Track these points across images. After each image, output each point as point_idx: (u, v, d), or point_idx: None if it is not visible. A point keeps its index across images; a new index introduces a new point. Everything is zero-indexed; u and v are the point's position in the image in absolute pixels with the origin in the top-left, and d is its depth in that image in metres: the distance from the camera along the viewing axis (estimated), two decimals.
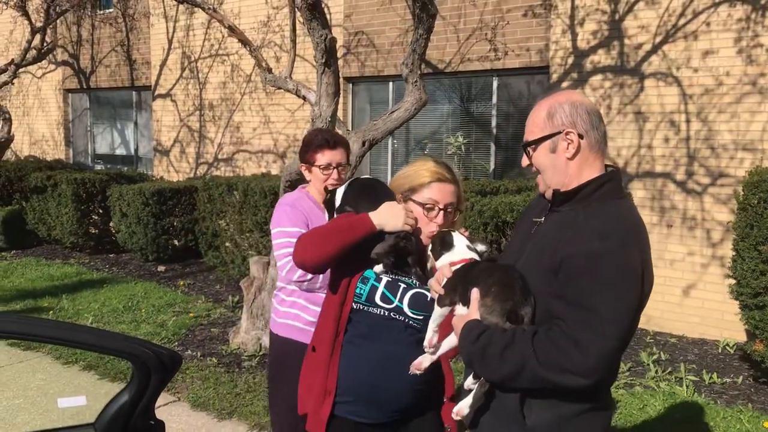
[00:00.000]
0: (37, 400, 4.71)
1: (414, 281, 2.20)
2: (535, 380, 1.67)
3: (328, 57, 4.73)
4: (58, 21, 11.62)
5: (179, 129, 10.89)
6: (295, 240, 2.22)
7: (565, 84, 7.03)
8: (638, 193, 6.55)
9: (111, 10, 11.80)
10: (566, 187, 1.83)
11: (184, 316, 6.62)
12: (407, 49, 5.07)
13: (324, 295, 2.36)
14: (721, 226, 6.13)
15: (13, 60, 10.96)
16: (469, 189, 6.39)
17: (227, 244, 7.86)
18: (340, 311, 2.18)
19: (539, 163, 1.87)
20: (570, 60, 7.00)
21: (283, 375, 2.81)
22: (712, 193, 6.20)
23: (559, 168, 1.83)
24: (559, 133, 1.81)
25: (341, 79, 5.90)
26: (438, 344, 1.95)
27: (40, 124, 13.34)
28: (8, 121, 9.82)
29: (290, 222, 2.79)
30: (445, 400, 2.29)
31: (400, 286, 2.19)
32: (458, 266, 1.89)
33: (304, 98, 5.79)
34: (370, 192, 2.29)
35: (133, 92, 11.89)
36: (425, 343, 1.95)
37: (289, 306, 2.90)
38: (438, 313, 1.89)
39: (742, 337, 5.87)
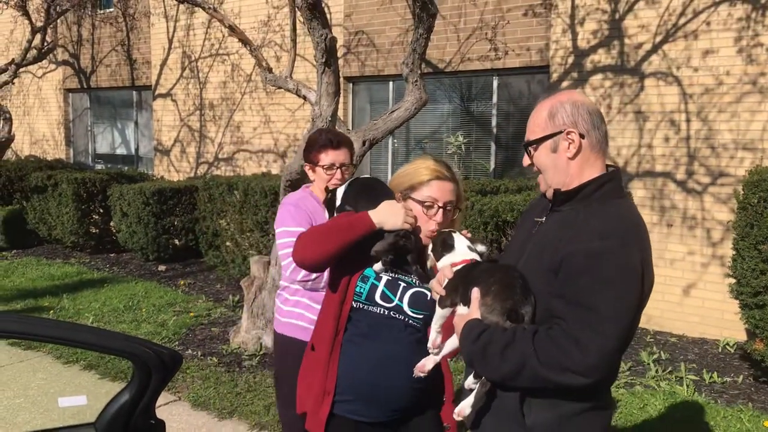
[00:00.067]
0: (38, 400, 4.71)
1: (414, 280, 2.20)
2: (535, 379, 1.67)
3: (329, 56, 4.73)
4: (58, 20, 11.63)
5: (180, 128, 10.89)
6: None
7: (565, 83, 7.03)
8: (638, 192, 6.55)
9: (111, 9, 11.80)
10: (567, 186, 1.83)
11: (184, 315, 6.62)
12: (407, 49, 5.07)
13: None
14: (721, 226, 6.13)
15: (13, 60, 10.96)
16: (469, 188, 6.39)
17: (228, 243, 7.86)
18: (339, 310, 2.18)
19: (540, 163, 1.88)
20: (570, 59, 7.00)
21: (289, 373, 2.82)
22: (713, 193, 6.20)
23: (560, 168, 1.83)
24: (561, 132, 1.81)
25: (341, 79, 5.89)
26: (441, 345, 1.95)
27: (41, 123, 13.34)
28: (9, 120, 9.82)
29: (294, 221, 2.80)
30: (444, 400, 2.29)
31: (400, 284, 2.19)
32: (459, 267, 1.90)
33: (305, 98, 5.79)
34: (369, 191, 2.29)
35: (134, 92, 11.89)
36: (429, 345, 1.95)
37: (293, 305, 2.91)
38: (440, 314, 1.90)
39: (742, 337, 5.87)
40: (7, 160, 11.79)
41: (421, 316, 2.16)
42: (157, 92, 11.17)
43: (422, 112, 5.39)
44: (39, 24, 10.78)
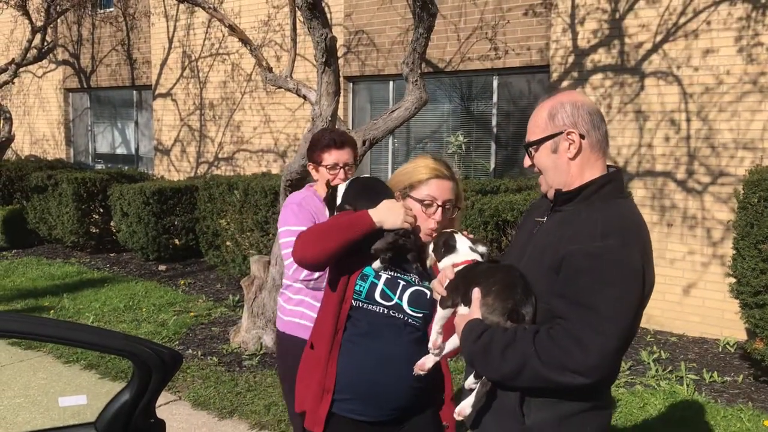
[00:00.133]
0: (38, 399, 4.72)
1: (413, 278, 2.20)
2: (536, 379, 1.67)
3: (329, 56, 4.73)
4: (58, 20, 11.63)
5: (180, 128, 10.89)
6: None
7: (565, 83, 7.03)
8: (638, 192, 6.55)
9: (111, 9, 11.80)
10: (568, 187, 1.83)
11: (184, 315, 6.63)
12: (408, 48, 5.07)
13: None
14: (721, 225, 6.13)
15: (13, 59, 10.97)
16: (469, 188, 6.39)
17: (228, 243, 7.86)
18: (339, 308, 2.18)
19: (541, 164, 1.88)
20: (570, 59, 7.00)
21: (291, 372, 2.82)
22: (713, 192, 6.19)
23: (561, 168, 1.83)
24: (561, 133, 1.81)
25: (342, 78, 5.89)
26: (442, 345, 1.95)
27: (41, 123, 13.34)
28: (9, 120, 9.83)
29: (297, 221, 2.80)
30: (444, 399, 2.29)
31: (399, 283, 2.19)
32: (460, 267, 1.90)
33: (305, 97, 5.79)
34: (369, 191, 2.29)
35: (134, 91, 11.89)
36: (430, 345, 1.95)
37: (296, 304, 2.91)
38: (441, 314, 1.90)
39: (742, 336, 5.87)
40: (7, 160, 11.80)
41: (420, 315, 2.16)
42: (157, 92, 11.17)
43: (422, 111, 5.39)
44: (39, 24, 10.79)
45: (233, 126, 10.12)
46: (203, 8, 6.66)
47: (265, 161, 9.75)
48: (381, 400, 2.15)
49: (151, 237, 8.62)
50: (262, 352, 5.50)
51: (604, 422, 1.82)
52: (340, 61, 6.45)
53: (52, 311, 6.73)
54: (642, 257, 1.69)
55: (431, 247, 2.04)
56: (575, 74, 6.97)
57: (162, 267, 8.76)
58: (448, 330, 1.93)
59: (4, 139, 11.05)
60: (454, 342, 1.93)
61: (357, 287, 2.17)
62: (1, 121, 9.86)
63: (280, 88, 6.28)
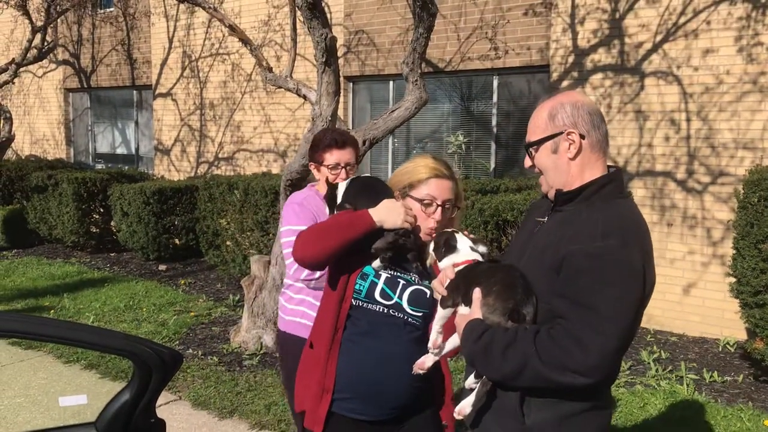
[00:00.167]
0: (39, 399, 4.72)
1: (413, 278, 2.21)
2: (537, 379, 1.67)
3: (329, 56, 4.73)
4: (58, 20, 11.63)
5: (180, 128, 10.89)
6: None
7: (565, 83, 7.03)
8: (638, 191, 6.55)
9: (111, 9, 11.80)
10: (568, 187, 1.83)
11: (185, 315, 6.63)
12: (408, 48, 5.07)
13: None
14: (721, 225, 6.13)
15: (13, 59, 10.97)
16: (469, 188, 6.39)
17: (228, 243, 7.86)
18: (339, 307, 2.18)
19: (541, 164, 1.88)
20: (570, 59, 7.00)
21: (292, 371, 2.82)
22: (713, 192, 6.20)
23: (561, 168, 1.83)
24: (561, 133, 1.82)
25: (342, 78, 5.89)
26: (442, 345, 1.95)
27: (41, 123, 13.35)
28: (9, 120, 9.83)
29: (299, 220, 2.80)
30: (444, 399, 2.29)
31: (399, 282, 2.19)
32: (461, 267, 1.90)
33: (305, 97, 5.79)
34: (370, 190, 2.30)
35: (134, 91, 11.89)
36: (430, 344, 1.95)
37: (297, 303, 2.92)
38: (441, 314, 1.90)
39: (742, 336, 5.87)
40: (7, 160, 11.80)
41: (420, 314, 2.17)
42: (157, 92, 11.18)
43: (422, 111, 5.39)
44: (39, 23, 10.79)
45: (233, 126, 10.12)
46: (203, 8, 6.67)
47: (265, 161, 9.75)
48: (381, 400, 2.15)
49: (151, 237, 8.63)
50: (262, 351, 5.50)
51: (605, 422, 1.82)
52: (340, 61, 6.45)
53: (52, 311, 6.73)
54: (642, 257, 1.69)
55: (431, 246, 2.04)
56: (575, 74, 6.97)
57: (162, 267, 8.76)
58: (448, 330, 1.93)
59: (4, 139, 11.05)
60: (453, 342, 1.93)
61: (357, 286, 2.17)
62: (2, 121, 9.86)
63: (280, 88, 6.28)
